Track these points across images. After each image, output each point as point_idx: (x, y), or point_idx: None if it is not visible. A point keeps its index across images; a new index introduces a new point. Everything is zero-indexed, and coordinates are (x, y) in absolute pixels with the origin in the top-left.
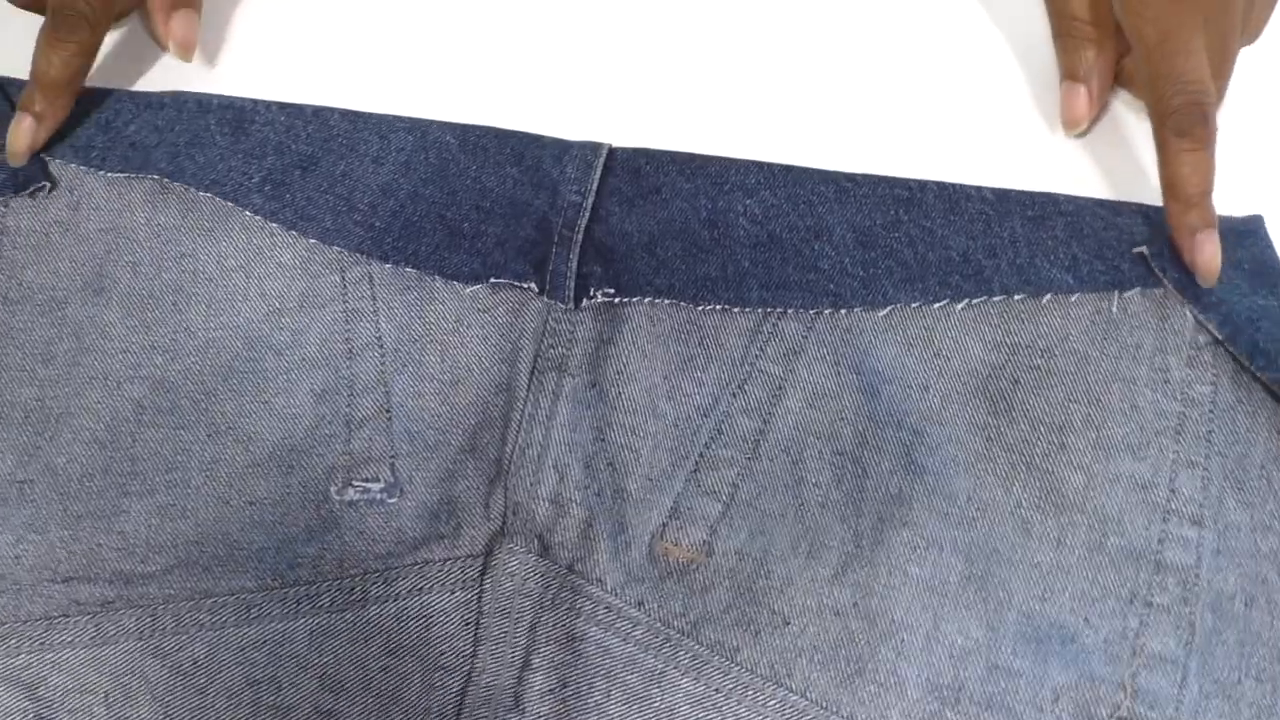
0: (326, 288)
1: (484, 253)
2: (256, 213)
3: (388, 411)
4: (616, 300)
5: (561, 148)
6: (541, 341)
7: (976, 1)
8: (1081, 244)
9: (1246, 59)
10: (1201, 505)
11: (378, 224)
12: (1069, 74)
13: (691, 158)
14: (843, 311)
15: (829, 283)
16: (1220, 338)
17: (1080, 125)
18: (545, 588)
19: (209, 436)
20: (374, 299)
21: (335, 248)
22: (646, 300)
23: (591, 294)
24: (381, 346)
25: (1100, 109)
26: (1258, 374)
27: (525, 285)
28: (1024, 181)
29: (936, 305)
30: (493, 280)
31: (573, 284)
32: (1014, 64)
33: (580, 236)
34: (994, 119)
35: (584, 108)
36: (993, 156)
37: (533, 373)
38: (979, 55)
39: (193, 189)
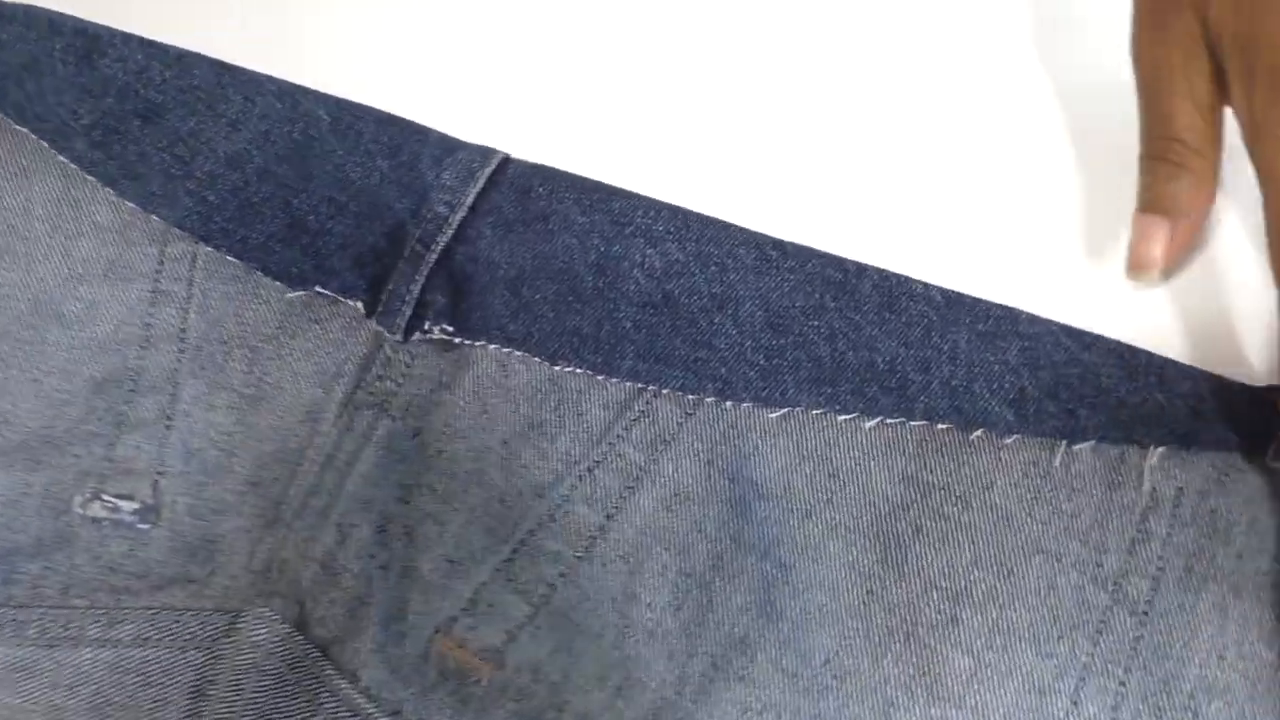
0: (139, 260)
1: (321, 254)
2: (77, 160)
3: (169, 419)
4: (457, 340)
5: (446, 148)
6: (368, 370)
7: (979, 57)
8: (1034, 376)
9: None
10: None
11: (212, 198)
12: (1153, 205)
13: (596, 187)
14: (729, 404)
15: (721, 366)
16: None
17: (1150, 271)
18: (290, 668)
19: None
20: (190, 284)
21: (157, 217)
22: (493, 346)
23: (427, 328)
24: (183, 340)
25: (1182, 261)
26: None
27: (351, 302)
28: (982, 286)
29: (843, 418)
30: (317, 289)
31: (409, 311)
32: (1008, 143)
33: (434, 257)
34: (969, 206)
35: (494, 106)
36: (954, 249)
37: (346, 404)
38: (969, 130)
39: (13, 120)
